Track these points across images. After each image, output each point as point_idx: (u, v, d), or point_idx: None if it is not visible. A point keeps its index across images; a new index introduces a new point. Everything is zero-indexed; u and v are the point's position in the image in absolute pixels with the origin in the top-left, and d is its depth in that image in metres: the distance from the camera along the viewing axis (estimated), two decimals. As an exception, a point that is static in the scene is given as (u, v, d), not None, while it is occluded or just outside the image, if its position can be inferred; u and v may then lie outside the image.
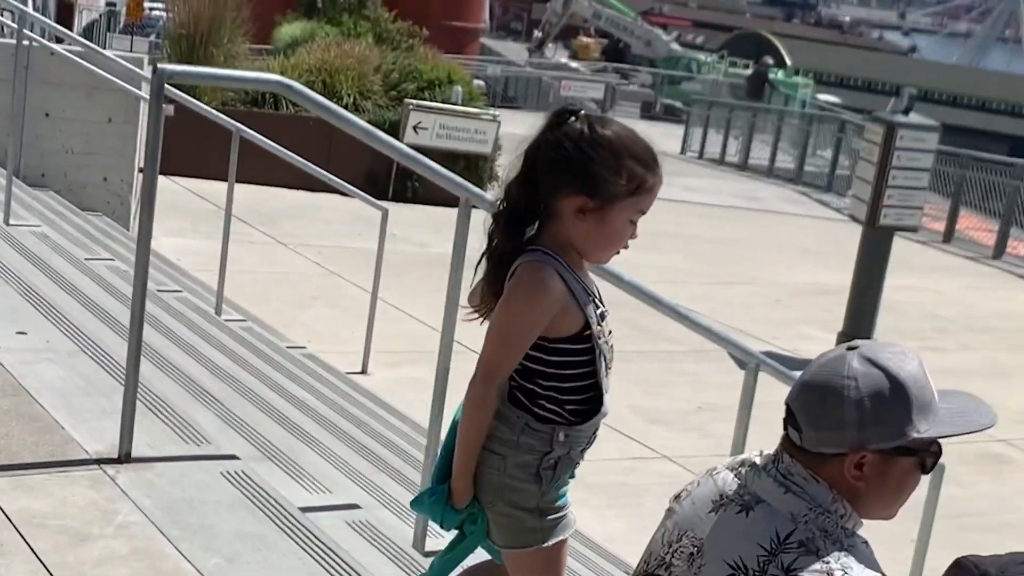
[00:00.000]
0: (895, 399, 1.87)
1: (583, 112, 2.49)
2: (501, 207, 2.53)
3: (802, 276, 12.22)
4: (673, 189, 16.77)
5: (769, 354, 5.22)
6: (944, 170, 15.88)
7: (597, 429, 2.60)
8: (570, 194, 2.46)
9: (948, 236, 16.02)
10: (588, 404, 2.54)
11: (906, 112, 9.17)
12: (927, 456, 1.92)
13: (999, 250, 15.23)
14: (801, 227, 16.09)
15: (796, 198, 19.11)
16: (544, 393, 2.53)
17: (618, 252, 2.56)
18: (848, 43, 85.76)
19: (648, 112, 32.24)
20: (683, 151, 24.44)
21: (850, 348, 1.93)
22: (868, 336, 9.22)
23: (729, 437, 4.26)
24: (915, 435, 1.88)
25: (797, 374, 4.48)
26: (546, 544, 2.58)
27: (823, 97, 33.77)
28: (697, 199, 16.57)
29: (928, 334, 10.62)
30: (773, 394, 4.35)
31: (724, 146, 23.34)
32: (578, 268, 2.52)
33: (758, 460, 2.01)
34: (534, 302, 2.47)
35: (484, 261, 2.55)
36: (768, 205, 17.55)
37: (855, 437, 1.88)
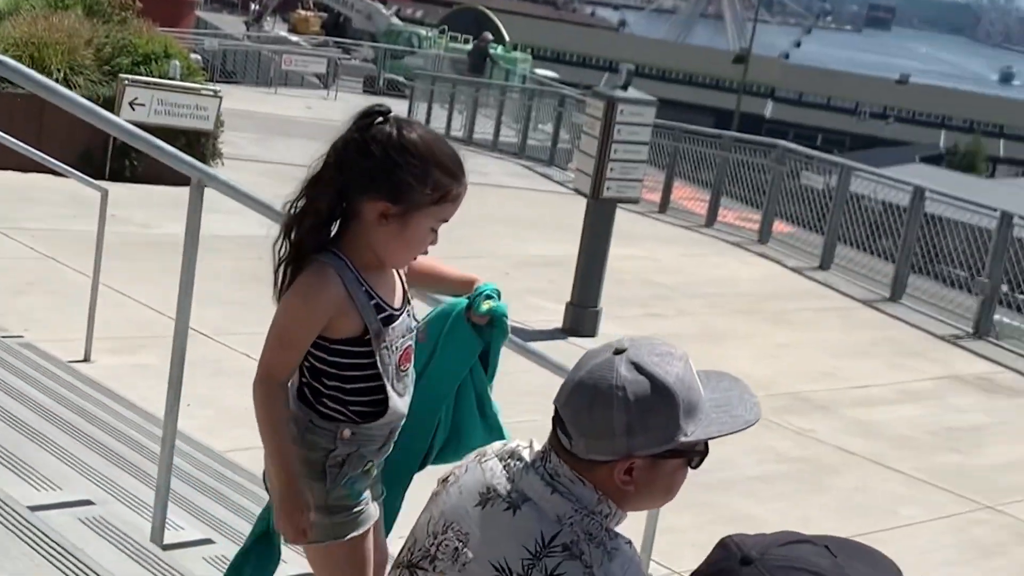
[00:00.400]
0: (663, 406, 1.87)
1: (392, 115, 2.46)
2: (300, 205, 2.48)
3: (529, 248, 12.46)
4: (399, 164, 16.78)
5: (504, 327, 5.28)
6: (659, 143, 16.48)
7: (394, 430, 2.60)
8: (374, 198, 2.43)
9: (664, 206, 16.64)
10: (376, 406, 2.54)
11: (625, 87, 9.45)
12: (694, 455, 1.94)
13: (711, 219, 15.94)
14: (526, 200, 16.40)
15: (520, 172, 19.46)
16: (327, 392, 2.52)
17: (414, 258, 2.58)
18: (562, 19, 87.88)
19: (371, 87, 32.11)
20: (407, 126, 24.48)
21: (617, 351, 1.90)
22: (595, 305, 9.50)
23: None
24: (683, 439, 1.89)
25: (533, 346, 4.58)
26: (338, 540, 2.56)
27: (541, 72, 34.48)
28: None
29: (649, 301, 11.02)
30: (516, 365, 4.43)
31: (449, 121, 23.50)
32: (371, 271, 2.50)
33: (527, 454, 2.00)
34: (308, 304, 2.44)
35: (280, 258, 2.50)
36: (494, 179, 17.78)
37: (624, 445, 1.87)
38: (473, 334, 2.70)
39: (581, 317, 9.46)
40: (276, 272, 2.51)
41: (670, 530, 5.28)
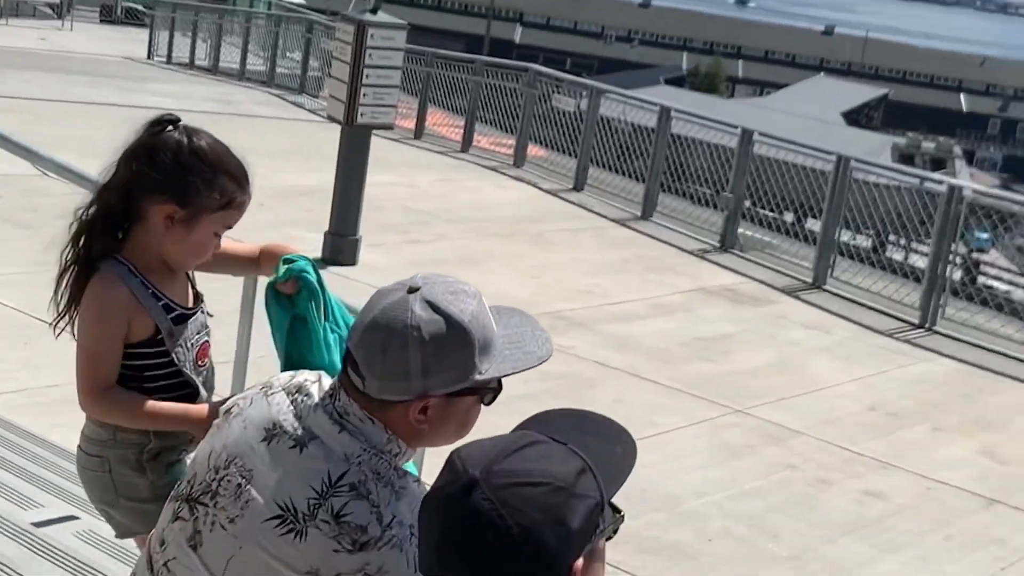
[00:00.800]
0: (459, 344, 1.86)
1: (181, 123, 2.59)
2: (91, 212, 2.56)
3: (283, 178, 12.25)
4: (143, 95, 16.19)
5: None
6: (411, 69, 16.40)
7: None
8: (161, 202, 2.53)
9: (419, 133, 16.62)
10: (184, 401, 2.63)
11: (374, 11, 9.34)
12: (488, 392, 1.94)
13: (466, 144, 16.01)
14: (278, 129, 16.09)
15: (270, 100, 19.06)
16: None
17: (199, 262, 2.67)
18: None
19: (108, 16, 30.77)
20: (150, 56, 23.62)
21: (411, 290, 1.88)
22: (354, 233, 9.44)
23: (229, 340, 4.23)
24: (478, 377, 1.89)
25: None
26: None
27: (287, -2, 33.69)
28: (169, 105, 16.08)
29: (408, 227, 11.03)
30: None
31: (193, 50, 22.77)
32: (157, 274, 2.58)
33: (315, 390, 1.96)
34: (102, 313, 2.54)
35: (67, 261, 2.57)
36: (243, 109, 17.38)
37: (420, 385, 1.86)
38: (277, 305, 2.65)
39: (340, 246, 9.40)
40: (59, 278, 2.59)
41: (439, 452, 5.35)
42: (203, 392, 2.67)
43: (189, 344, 2.64)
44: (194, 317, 2.67)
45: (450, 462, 1.55)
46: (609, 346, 8.33)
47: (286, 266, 2.65)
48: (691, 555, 5.45)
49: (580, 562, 1.51)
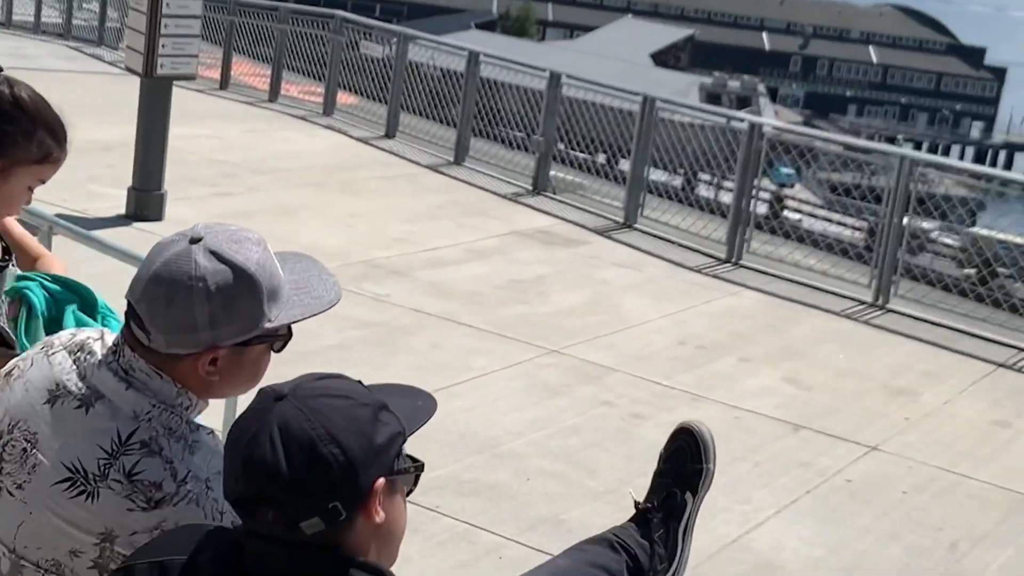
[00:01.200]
0: (246, 294, 1.83)
1: (3, 73, 2.51)
2: None
3: (83, 134, 11.72)
4: (-71, 50, 15.40)
5: (63, 216, 5.05)
6: (213, 17, 16.01)
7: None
8: None
9: (224, 83, 16.24)
10: None
11: (171, -41, 9.06)
12: (277, 340, 1.93)
13: (274, 93, 15.72)
14: (76, 84, 15.52)
15: (68, 54, 18.36)
16: None
17: (11, 215, 2.63)
18: None
19: None
20: (-64, 9, 22.51)
21: (193, 240, 1.84)
22: (159, 188, 9.20)
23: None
24: (267, 325, 1.87)
25: (95, 234, 4.39)
26: None
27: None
28: (-42, 60, 15.34)
29: (216, 180, 10.81)
30: (79, 253, 4.24)
31: (-17, 2, 21.77)
32: None
33: (98, 347, 1.91)
34: None
35: None
36: (39, 63, 16.68)
37: (208, 337, 1.83)
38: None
39: (145, 201, 9.15)
40: None
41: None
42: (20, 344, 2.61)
43: (2, 296, 2.58)
44: (7, 269, 2.61)
45: (260, 390, 1.60)
46: (425, 292, 8.34)
47: (13, 284, 2.62)
48: (510, 495, 5.53)
49: (382, 482, 1.54)
